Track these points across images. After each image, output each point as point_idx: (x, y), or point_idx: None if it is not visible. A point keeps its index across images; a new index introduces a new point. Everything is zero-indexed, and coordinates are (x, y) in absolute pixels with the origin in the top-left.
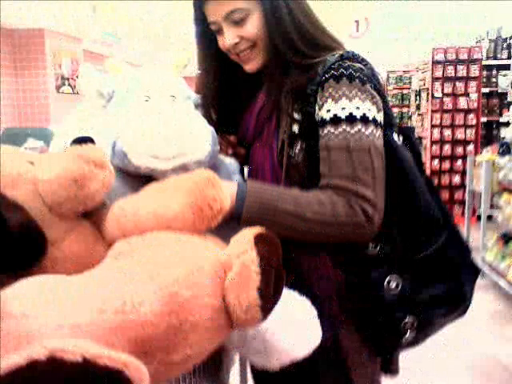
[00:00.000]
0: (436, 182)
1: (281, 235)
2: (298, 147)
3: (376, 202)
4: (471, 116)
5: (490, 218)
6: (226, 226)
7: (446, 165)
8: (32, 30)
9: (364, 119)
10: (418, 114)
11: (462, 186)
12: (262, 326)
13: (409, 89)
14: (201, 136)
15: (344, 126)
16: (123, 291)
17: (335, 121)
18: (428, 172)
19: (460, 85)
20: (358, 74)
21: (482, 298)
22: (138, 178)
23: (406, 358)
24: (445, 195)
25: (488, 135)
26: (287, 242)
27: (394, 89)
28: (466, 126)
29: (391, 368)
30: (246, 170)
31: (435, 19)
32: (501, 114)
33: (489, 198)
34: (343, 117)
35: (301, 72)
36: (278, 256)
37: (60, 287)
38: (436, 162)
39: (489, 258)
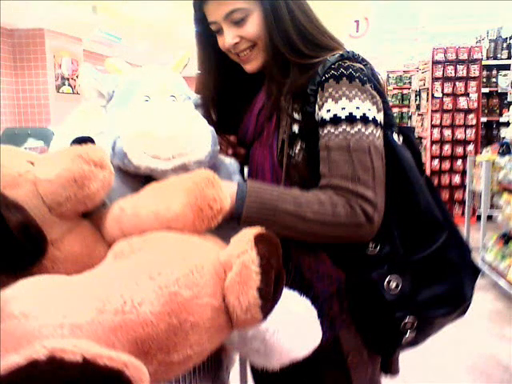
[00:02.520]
0: (436, 181)
1: (281, 235)
2: (298, 147)
3: (376, 202)
4: (471, 116)
5: (489, 217)
6: (226, 226)
7: (446, 165)
8: (32, 30)
9: (364, 119)
10: (418, 114)
11: (462, 186)
12: (262, 326)
13: (409, 89)
14: (201, 136)
15: (344, 126)
16: (123, 291)
17: (335, 121)
18: (428, 172)
19: (460, 85)
20: (357, 74)
21: (481, 298)
22: (137, 178)
23: (405, 357)
24: (445, 195)
25: (488, 135)
26: (287, 242)
27: (394, 89)
28: (465, 126)
29: (391, 368)
30: (246, 170)
31: (435, 19)
32: (501, 114)
33: (489, 198)
34: (343, 117)
35: (301, 72)
36: (278, 256)
37: (60, 287)
38: (436, 162)
39: (489, 258)
